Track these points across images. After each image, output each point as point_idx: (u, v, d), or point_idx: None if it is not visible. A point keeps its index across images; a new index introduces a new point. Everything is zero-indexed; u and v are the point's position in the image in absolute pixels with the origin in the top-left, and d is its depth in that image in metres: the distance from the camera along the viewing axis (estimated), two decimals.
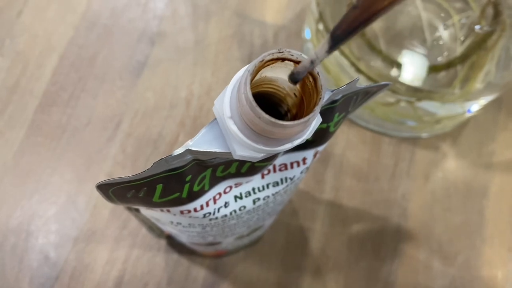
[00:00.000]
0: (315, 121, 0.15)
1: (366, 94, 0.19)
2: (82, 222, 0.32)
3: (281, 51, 0.14)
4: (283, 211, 0.33)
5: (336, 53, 0.32)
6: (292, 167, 0.21)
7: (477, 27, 0.33)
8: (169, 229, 0.25)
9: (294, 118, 0.17)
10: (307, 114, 0.14)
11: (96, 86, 0.36)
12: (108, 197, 0.18)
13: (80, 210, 0.33)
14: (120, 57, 0.37)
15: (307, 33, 0.37)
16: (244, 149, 0.15)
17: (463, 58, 0.34)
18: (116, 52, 0.37)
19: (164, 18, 0.38)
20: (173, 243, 0.32)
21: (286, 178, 0.21)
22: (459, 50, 0.34)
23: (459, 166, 0.36)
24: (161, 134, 0.35)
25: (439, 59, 0.34)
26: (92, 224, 0.32)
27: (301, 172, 0.21)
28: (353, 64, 0.32)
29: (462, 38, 0.34)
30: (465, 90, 0.33)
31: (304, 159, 0.21)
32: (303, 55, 0.14)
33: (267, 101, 0.17)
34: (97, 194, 0.33)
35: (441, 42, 0.34)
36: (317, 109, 0.14)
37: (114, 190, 0.17)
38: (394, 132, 0.36)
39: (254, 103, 0.13)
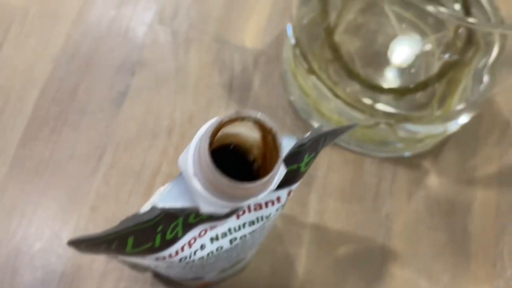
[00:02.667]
0: (278, 175, 0.15)
1: (334, 133, 0.20)
2: (68, 257, 0.32)
3: (238, 112, 0.14)
4: (268, 237, 0.33)
5: (313, 78, 0.33)
6: (267, 206, 0.21)
7: (446, 56, 0.33)
8: (151, 267, 0.25)
9: (261, 166, 0.17)
10: (270, 170, 0.14)
11: (77, 119, 0.36)
12: (82, 251, 0.18)
13: (65, 245, 0.33)
14: (101, 88, 0.37)
15: (286, 58, 0.37)
16: (210, 205, 0.15)
17: (440, 76, 0.34)
18: (97, 83, 0.37)
19: (144, 47, 0.38)
20: (159, 275, 0.32)
21: (262, 217, 0.21)
22: (436, 67, 0.34)
23: (442, 183, 0.36)
24: (144, 164, 0.35)
25: (416, 74, 0.34)
26: (78, 259, 0.32)
27: (277, 210, 0.22)
28: (330, 89, 0.32)
29: (440, 57, 0.34)
30: (444, 109, 0.33)
31: (278, 198, 0.21)
32: (261, 114, 0.14)
33: (235, 148, 0.17)
34: (82, 227, 0.33)
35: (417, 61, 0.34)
36: (277, 168, 0.14)
37: (86, 246, 0.17)
38: (375, 153, 0.36)
39: (214, 168, 0.13)
